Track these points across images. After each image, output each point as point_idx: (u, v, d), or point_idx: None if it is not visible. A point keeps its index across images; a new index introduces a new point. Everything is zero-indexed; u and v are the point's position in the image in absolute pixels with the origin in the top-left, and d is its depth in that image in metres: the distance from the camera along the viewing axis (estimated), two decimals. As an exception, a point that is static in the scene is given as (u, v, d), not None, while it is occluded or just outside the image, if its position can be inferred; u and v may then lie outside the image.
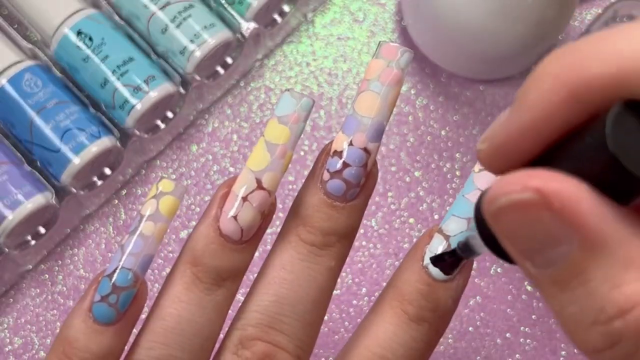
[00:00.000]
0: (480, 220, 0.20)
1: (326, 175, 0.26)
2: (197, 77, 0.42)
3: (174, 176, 0.44)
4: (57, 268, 0.43)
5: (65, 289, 0.42)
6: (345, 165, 0.25)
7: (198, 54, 0.41)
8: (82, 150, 0.39)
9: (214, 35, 0.41)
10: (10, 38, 0.42)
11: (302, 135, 0.45)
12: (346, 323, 0.43)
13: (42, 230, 0.40)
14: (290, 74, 0.46)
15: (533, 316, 0.43)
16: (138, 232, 0.26)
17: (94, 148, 0.39)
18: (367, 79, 0.26)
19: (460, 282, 0.27)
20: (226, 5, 0.43)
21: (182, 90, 0.42)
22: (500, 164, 0.20)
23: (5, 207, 0.38)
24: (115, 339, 0.26)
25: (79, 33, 0.41)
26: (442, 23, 0.42)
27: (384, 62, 0.26)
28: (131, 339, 0.27)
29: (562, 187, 0.17)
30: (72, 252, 0.43)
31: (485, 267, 0.44)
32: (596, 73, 0.17)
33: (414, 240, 0.36)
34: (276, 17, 0.44)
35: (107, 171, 0.41)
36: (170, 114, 0.42)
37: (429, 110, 0.46)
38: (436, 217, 0.44)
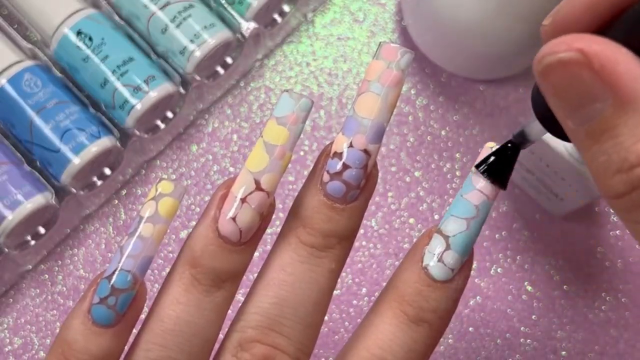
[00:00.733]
0: (537, 104, 0.23)
1: (326, 177, 0.26)
2: (197, 77, 0.42)
3: (174, 176, 0.44)
4: (57, 268, 0.43)
5: (65, 289, 0.42)
6: (345, 166, 0.25)
7: (198, 54, 0.41)
8: (82, 150, 0.39)
9: (214, 35, 0.41)
10: (10, 38, 0.42)
11: (302, 136, 0.45)
12: (346, 323, 0.43)
13: (42, 230, 0.40)
14: (290, 74, 0.46)
15: (533, 316, 0.43)
16: (137, 234, 0.26)
17: (94, 148, 0.39)
18: (368, 80, 0.26)
19: (460, 283, 0.27)
20: (226, 5, 0.43)
21: (182, 90, 0.42)
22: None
23: (5, 207, 0.38)
24: (114, 340, 0.26)
25: (78, 33, 0.41)
26: (442, 23, 0.42)
27: (384, 63, 0.26)
28: (131, 339, 0.27)
29: (603, 48, 0.18)
30: (72, 252, 0.43)
31: (485, 267, 0.44)
32: None
33: (414, 240, 0.36)
34: (276, 17, 0.44)
35: (107, 171, 0.41)
36: (170, 114, 0.42)
37: (429, 110, 0.46)
38: (436, 217, 0.44)
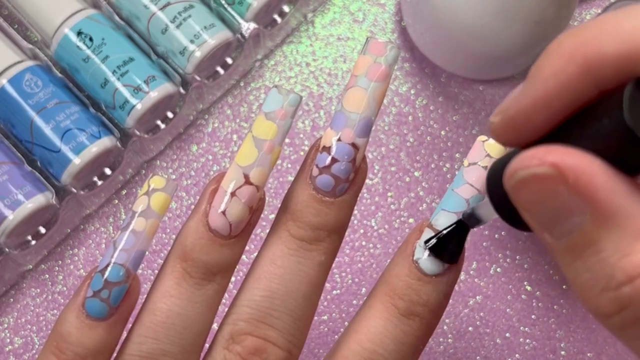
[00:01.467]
0: (492, 189, 0.22)
1: (315, 171, 0.26)
2: (197, 78, 0.42)
3: (174, 176, 0.44)
4: (57, 268, 0.43)
5: (65, 288, 0.43)
6: (334, 160, 0.26)
7: (198, 54, 0.41)
8: (83, 150, 0.39)
9: (214, 35, 0.41)
10: (10, 38, 0.42)
11: (302, 136, 0.45)
12: (346, 323, 0.43)
13: (42, 230, 0.40)
14: (290, 74, 0.46)
15: (532, 316, 0.43)
16: (130, 228, 0.26)
17: (94, 148, 0.39)
18: (355, 75, 0.26)
19: (451, 277, 0.27)
20: (226, 6, 0.43)
21: (182, 91, 0.42)
22: (512, 137, 0.21)
23: (5, 207, 0.38)
24: (108, 333, 0.26)
25: (79, 33, 0.41)
26: (442, 23, 0.42)
27: (371, 58, 0.26)
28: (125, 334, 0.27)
29: (577, 162, 0.18)
30: (73, 252, 0.43)
31: (485, 267, 0.44)
32: (611, 49, 0.18)
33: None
34: (276, 17, 0.44)
35: (108, 171, 0.41)
36: (170, 114, 0.42)
37: (428, 110, 0.46)
38: (436, 217, 0.44)
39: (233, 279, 0.36)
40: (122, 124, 0.41)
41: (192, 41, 0.41)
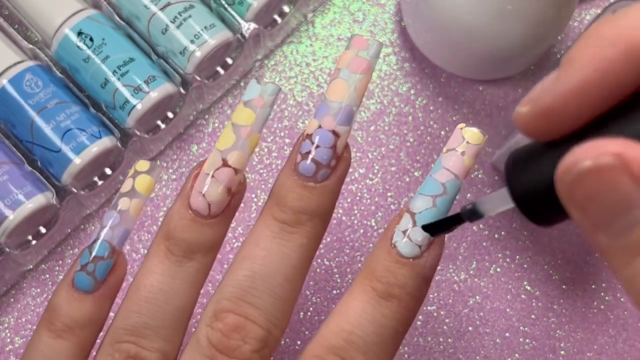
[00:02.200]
0: (513, 181, 0.21)
1: (298, 158, 0.27)
2: (198, 78, 0.42)
3: (174, 176, 0.44)
4: (57, 268, 0.43)
5: (65, 288, 0.43)
6: (316, 147, 0.27)
7: (198, 54, 0.41)
8: (83, 150, 0.39)
9: (214, 35, 0.41)
10: (11, 38, 0.42)
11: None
12: (346, 323, 0.43)
13: (42, 230, 0.40)
14: (290, 74, 0.46)
15: (532, 316, 0.43)
16: (115, 208, 0.29)
17: (95, 148, 0.40)
18: (338, 68, 0.28)
19: (429, 260, 0.27)
20: (226, 6, 0.43)
21: (182, 91, 0.42)
22: (543, 129, 0.20)
23: (6, 207, 0.38)
24: (95, 307, 0.28)
25: (79, 33, 0.41)
26: (442, 23, 0.42)
27: (353, 52, 0.27)
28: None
29: None
30: (73, 252, 0.43)
31: (485, 267, 0.44)
32: None
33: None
34: (276, 17, 0.44)
35: (108, 171, 0.41)
36: (170, 114, 0.42)
37: (428, 110, 0.46)
38: (436, 217, 0.44)
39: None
40: (123, 124, 0.41)
41: (192, 41, 0.41)
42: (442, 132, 0.46)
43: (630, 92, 0.18)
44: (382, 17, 0.47)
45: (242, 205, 0.44)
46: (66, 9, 0.41)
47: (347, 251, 0.44)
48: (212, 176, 0.27)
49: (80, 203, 0.42)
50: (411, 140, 0.45)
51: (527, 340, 0.43)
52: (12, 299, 0.42)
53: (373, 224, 0.44)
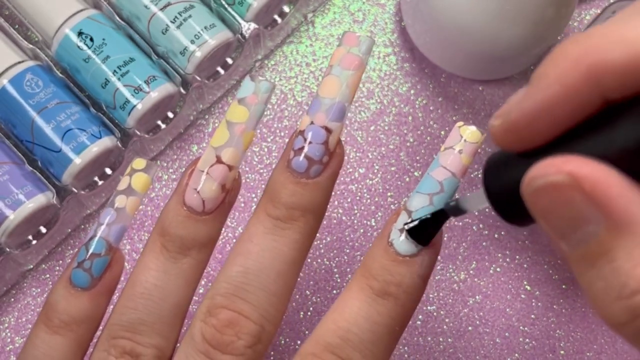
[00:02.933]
0: (489, 183, 0.22)
1: (291, 154, 0.27)
2: (198, 78, 0.42)
3: (174, 176, 0.45)
4: (58, 268, 0.43)
5: (66, 288, 0.43)
6: (307, 142, 0.27)
7: (198, 54, 0.41)
8: (83, 150, 0.39)
9: (214, 35, 0.41)
10: (11, 38, 0.42)
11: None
12: (346, 322, 0.43)
13: (43, 229, 0.41)
14: (290, 74, 0.46)
15: (532, 315, 0.43)
16: (112, 205, 0.29)
17: (95, 148, 0.40)
18: (330, 64, 0.28)
19: (426, 258, 0.27)
20: (226, 6, 0.43)
21: (182, 91, 0.42)
22: (512, 142, 0.21)
23: (6, 207, 0.38)
24: (91, 303, 0.29)
25: (79, 33, 0.41)
26: (442, 24, 0.42)
27: (345, 49, 0.28)
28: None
29: (593, 171, 0.18)
30: (73, 252, 0.43)
31: (485, 266, 0.44)
32: (617, 57, 0.18)
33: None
34: (276, 17, 0.44)
35: (108, 171, 0.42)
36: (170, 114, 0.42)
37: (428, 110, 0.46)
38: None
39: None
40: (123, 124, 0.41)
41: (192, 41, 0.41)
42: (442, 132, 0.46)
43: (593, 110, 0.19)
44: (382, 17, 0.47)
45: (242, 205, 0.44)
46: (66, 9, 0.41)
47: (347, 251, 0.44)
48: (207, 173, 0.27)
49: (80, 203, 0.42)
50: (411, 140, 0.45)
51: (527, 340, 0.43)
52: (12, 299, 0.42)
53: (373, 223, 0.44)
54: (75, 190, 0.40)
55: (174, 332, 0.28)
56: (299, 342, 0.42)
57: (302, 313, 0.43)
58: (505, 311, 0.43)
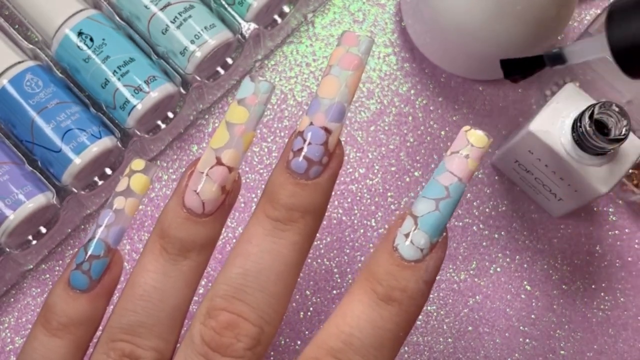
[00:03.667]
0: (611, 28, 0.20)
1: (290, 155, 0.27)
2: (198, 78, 0.42)
3: (174, 176, 0.45)
4: (58, 268, 0.43)
5: (66, 288, 0.43)
6: (307, 144, 0.27)
7: (198, 54, 0.41)
8: (83, 150, 0.39)
9: (214, 35, 0.41)
10: (11, 38, 0.42)
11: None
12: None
13: (43, 230, 0.41)
14: (290, 74, 0.46)
15: (532, 315, 0.43)
16: (111, 207, 0.29)
17: (95, 148, 0.40)
18: (329, 64, 0.27)
19: (431, 264, 0.27)
20: (226, 6, 0.43)
21: (182, 91, 0.42)
22: None
23: (6, 207, 0.38)
24: (90, 305, 0.28)
25: (79, 34, 0.41)
26: (442, 24, 0.42)
27: (344, 49, 0.27)
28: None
29: None
30: (73, 252, 0.43)
31: (485, 266, 0.44)
32: None
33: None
34: (276, 17, 0.44)
35: (108, 171, 0.41)
36: (170, 114, 0.42)
37: (428, 110, 0.46)
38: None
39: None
40: (123, 124, 0.41)
41: (192, 41, 0.41)
42: (442, 132, 0.46)
43: None
44: (382, 17, 0.47)
45: (242, 205, 0.44)
46: (66, 9, 0.41)
47: (347, 251, 0.44)
48: (206, 174, 0.27)
49: (80, 203, 0.42)
50: (411, 140, 0.45)
51: (527, 340, 0.43)
52: (12, 299, 0.42)
53: (373, 224, 0.44)
54: (75, 191, 0.40)
55: (174, 334, 0.28)
56: (299, 342, 0.42)
57: (302, 313, 0.43)
58: (506, 311, 0.43)
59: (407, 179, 0.45)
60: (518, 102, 0.46)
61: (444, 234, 0.27)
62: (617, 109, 0.36)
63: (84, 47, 0.41)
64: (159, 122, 0.42)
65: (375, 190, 0.45)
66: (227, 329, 0.26)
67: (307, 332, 0.42)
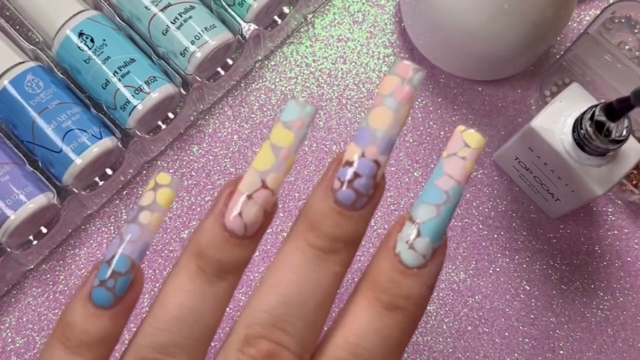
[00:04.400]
0: None
1: (337, 184, 0.27)
2: (198, 78, 0.42)
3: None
4: (58, 268, 0.43)
5: (66, 288, 0.43)
6: (356, 175, 0.26)
7: (199, 55, 0.41)
8: (84, 150, 0.39)
9: (214, 36, 0.41)
10: (12, 39, 0.42)
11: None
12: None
13: (44, 230, 0.41)
14: (290, 75, 0.47)
15: (531, 315, 0.43)
16: (136, 221, 0.28)
17: (96, 149, 0.40)
18: (382, 94, 0.27)
19: (433, 269, 0.27)
20: (227, 7, 0.43)
21: (182, 91, 0.42)
22: None
23: (7, 207, 0.38)
24: (112, 323, 0.27)
25: (80, 34, 0.41)
26: (441, 24, 0.42)
27: (398, 79, 0.27)
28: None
29: None
30: (74, 252, 0.43)
31: (484, 266, 0.44)
32: None
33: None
34: (276, 18, 0.45)
35: (109, 171, 0.42)
36: (171, 115, 0.43)
37: (428, 110, 0.46)
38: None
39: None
40: (123, 124, 0.41)
41: (192, 42, 0.41)
42: (442, 133, 0.46)
43: None
44: (381, 17, 0.48)
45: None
46: (67, 10, 0.41)
47: (347, 251, 0.44)
48: (251, 197, 0.27)
49: (81, 203, 0.42)
50: (411, 140, 0.46)
51: (527, 339, 0.43)
52: (13, 299, 0.42)
53: (373, 224, 0.44)
54: (76, 191, 0.40)
55: (203, 354, 0.28)
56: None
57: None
58: (505, 311, 0.43)
59: (407, 179, 0.45)
60: (517, 103, 0.46)
61: (444, 237, 0.27)
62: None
63: (85, 48, 0.41)
64: (160, 123, 0.42)
65: (375, 191, 0.45)
66: (267, 357, 0.26)
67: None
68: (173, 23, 0.41)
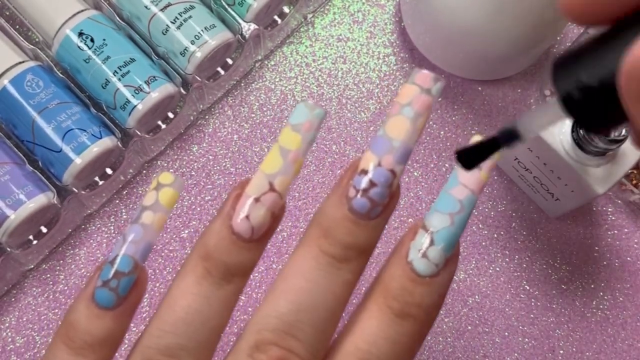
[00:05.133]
0: (559, 82, 0.19)
1: (352, 192, 0.26)
2: (198, 78, 0.42)
3: (174, 176, 0.45)
4: (58, 267, 0.43)
5: (66, 288, 0.43)
6: (372, 184, 0.26)
7: (199, 54, 0.41)
8: (84, 150, 0.39)
9: (214, 36, 0.41)
10: (12, 39, 0.42)
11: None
12: (346, 321, 0.43)
13: (44, 229, 0.41)
14: (290, 75, 0.47)
15: (531, 315, 0.43)
16: (139, 222, 0.27)
17: (96, 148, 0.40)
18: (400, 102, 0.26)
19: (446, 277, 0.27)
20: (227, 7, 0.43)
21: (182, 91, 0.42)
22: (582, 12, 0.19)
23: (7, 207, 0.38)
24: (115, 323, 0.27)
25: (80, 34, 0.41)
26: (441, 24, 0.42)
27: (418, 89, 0.26)
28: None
29: None
30: (74, 252, 0.43)
31: (484, 266, 0.44)
32: None
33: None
34: (276, 18, 0.45)
35: (109, 171, 0.42)
36: (171, 115, 0.43)
37: (428, 110, 0.46)
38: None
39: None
40: (123, 124, 0.41)
41: (192, 42, 0.41)
42: (442, 132, 0.46)
43: None
44: (381, 17, 0.48)
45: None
46: (67, 10, 0.41)
47: (347, 251, 0.44)
48: (258, 200, 0.27)
49: (81, 203, 0.42)
50: (411, 140, 0.46)
51: (526, 339, 0.43)
52: (13, 299, 0.42)
53: (373, 223, 0.44)
54: (76, 190, 0.40)
55: (209, 356, 0.28)
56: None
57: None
58: (505, 311, 0.43)
59: (407, 179, 0.45)
60: (517, 102, 0.46)
61: (457, 246, 0.27)
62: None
63: (85, 48, 0.41)
64: (160, 122, 0.42)
65: (375, 190, 0.45)
66: None
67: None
68: (173, 23, 0.41)
